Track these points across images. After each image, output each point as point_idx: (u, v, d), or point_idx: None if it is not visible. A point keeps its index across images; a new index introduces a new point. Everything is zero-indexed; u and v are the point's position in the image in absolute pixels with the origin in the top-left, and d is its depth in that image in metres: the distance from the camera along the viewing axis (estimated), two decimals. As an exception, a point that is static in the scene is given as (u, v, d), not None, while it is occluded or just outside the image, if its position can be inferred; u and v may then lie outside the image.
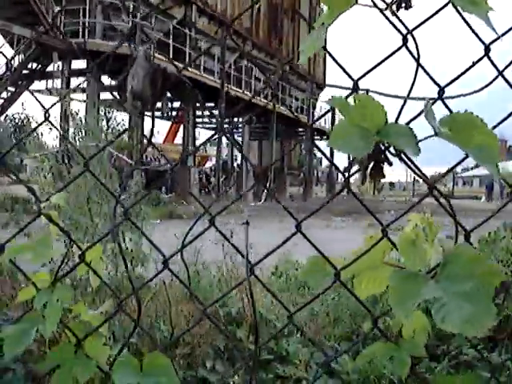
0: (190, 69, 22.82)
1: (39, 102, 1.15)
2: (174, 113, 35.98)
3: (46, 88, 23.75)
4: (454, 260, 0.95)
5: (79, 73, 22.00)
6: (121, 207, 1.08)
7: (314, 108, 41.74)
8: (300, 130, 39.35)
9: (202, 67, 24.12)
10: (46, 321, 1.04)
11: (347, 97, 1.02)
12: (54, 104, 1.23)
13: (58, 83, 23.77)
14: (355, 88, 1.05)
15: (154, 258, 3.55)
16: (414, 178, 67.36)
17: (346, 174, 1.13)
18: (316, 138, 44.28)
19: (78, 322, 1.16)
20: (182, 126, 28.08)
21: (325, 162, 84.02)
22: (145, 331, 1.42)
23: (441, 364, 3.03)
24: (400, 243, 1.11)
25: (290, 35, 38.56)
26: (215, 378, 2.69)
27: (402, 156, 1.00)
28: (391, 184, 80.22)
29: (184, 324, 2.95)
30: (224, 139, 35.58)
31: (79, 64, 21.78)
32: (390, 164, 1.01)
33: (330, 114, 41.88)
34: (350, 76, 1.08)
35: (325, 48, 1.00)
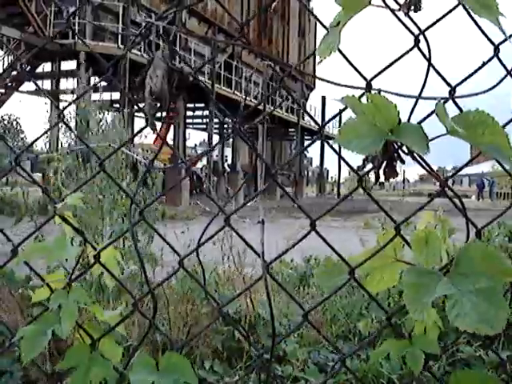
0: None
1: (52, 101, 1.15)
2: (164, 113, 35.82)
3: (36, 89, 23.66)
4: (468, 257, 0.96)
5: (69, 74, 21.90)
6: (136, 207, 1.08)
7: (305, 108, 41.80)
8: (292, 130, 39.37)
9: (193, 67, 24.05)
10: (61, 321, 1.04)
11: (360, 96, 1.03)
12: (69, 104, 1.23)
13: (46, 84, 23.70)
14: (368, 88, 1.06)
15: (160, 260, 3.57)
16: (404, 178, 67.69)
17: (360, 173, 1.12)
18: (307, 138, 44.39)
19: (92, 322, 1.17)
20: (172, 127, 28.02)
21: (315, 162, 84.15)
22: (160, 331, 1.43)
23: (438, 362, 3.06)
24: (413, 241, 1.12)
25: (279, 35, 38.59)
26: (214, 378, 2.69)
27: (415, 155, 1.02)
28: (381, 184, 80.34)
29: (182, 325, 2.95)
30: (214, 139, 35.55)
31: (69, 65, 21.67)
32: (403, 162, 1.02)
33: (319, 113, 42.11)
34: (363, 76, 1.09)
35: (338, 49, 1.01)
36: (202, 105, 30.58)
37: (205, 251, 4.16)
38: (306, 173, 51.09)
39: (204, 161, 35.83)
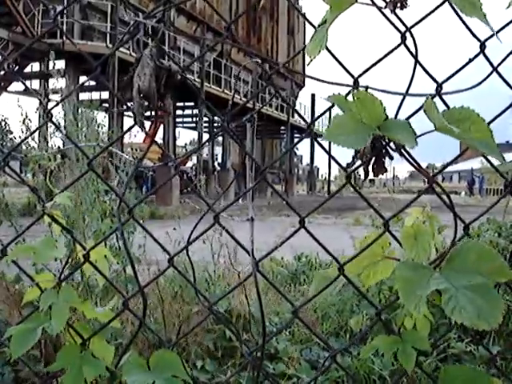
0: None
1: (41, 101, 1.15)
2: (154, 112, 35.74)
3: (25, 89, 23.53)
4: (462, 254, 0.97)
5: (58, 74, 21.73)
6: (125, 206, 1.08)
7: (294, 106, 41.82)
8: (282, 128, 39.38)
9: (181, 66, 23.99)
10: (52, 321, 1.04)
11: (347, 94, 1.04)
12: (57, 104, 1.23)
13: (35, 84, 23.57)
14: (355, 85, 1.07)
15: (146, 259, 3.54)
16: (394, 175, 68.01)
17: (348, 170, 1.13)
18: (297, 135, 44.43)
19: (82, 322, 1.17)
20: (162, 126, 27.97)
21: (305, 160, 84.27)
22: (151, 330, 1.42)
23: (429, 357, 3.07)
24: (402, 237, 1.13)
25: (268, 33, 38.58)
26: (205, 377, 2.69)
27: (402, 151, 1.03)
28: (371, 181, 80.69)
29: (174, 323, 2.95)
30: (204, 138, 35.47)
31: (58, 65, 21.54)
32: (391, 158, 1.03)
33: (309, 111, 42.14)
34: (350, 73, 1.10)
35: (326, 47, 1.02)
36: (192, 103, 30.51)
37: (194, 250, 4.16)
38: (296, 171, 51.17)
39: (194, 160, 35.80)
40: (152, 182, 31.98)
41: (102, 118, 17.94)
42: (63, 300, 1.06)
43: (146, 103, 1.03)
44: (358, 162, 1.07)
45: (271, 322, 2.96)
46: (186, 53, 25.39)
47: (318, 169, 60.59)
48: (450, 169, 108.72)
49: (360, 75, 1.10)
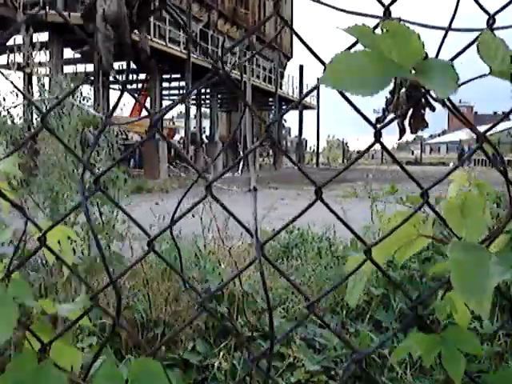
0: (154, 39, 22.36)
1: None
2: (140, 85, 35.40)
3: (7, 63, 23.04)
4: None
5: (41, 46, 21.33)
6: (91, 175, 0.91)
7: (282, 78, 41.49)
8: (270, 99, 39.07)
9: (167, 38, 23.65)
10: (-1, 323, 0.84)
11: (375, 27, 0.79)
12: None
13: (18, 58, 23.09)
14: (387, 16, 0.85)
15: (131, 234, 3.40)
16: (382, 146, 67.63)
17: (378, 126, 0.91)
18: (284, 107, 44.16)
19: (41, 322, 0.97)
20: (148, 99, 27.60)
21: (294, 132, 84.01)
22: (126, 329, 1.31)
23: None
24: (445, 210, 0.95)
25: (255, 3, 38.04)
26: (196, 359, 2.60)
27: (445, 100, 0.83)
28: (358, 152, 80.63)
29: (162, 304, 2.85)
30: (192, 111, 35.16)
31: (42, 37, 21.11)
32: (433, 109, 0.86)
33: (297, 83, 41.83)
34: (379, 1, 0.87)
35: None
36: (178, 75, 30.10)
37: (183, 223, 4.06)
38: (284, 143, 50.96)
39: (182, 132, 35.51)
40: (139, 155, 31.75)
41: (87, 90, 17.44)
42: (12, 297, 0.85)
43: (114, 36, 0.80)
44: (390, 116, 0.88)
45: (263, 298, 2.87)
46: (171, 23, 24.95)
47: (307, 141, 60.40)
48: (438, 140, 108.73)
49: (392, 2, 0.86)
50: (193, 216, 3.99)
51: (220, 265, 3.17)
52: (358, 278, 1.02)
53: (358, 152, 77.34)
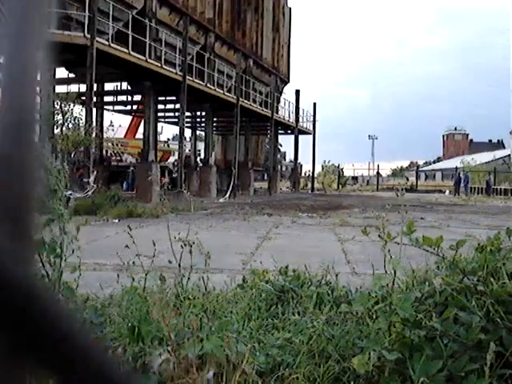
0: (150, 61, 22.02)
1: None
2: (135, 106, 35.07)
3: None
4: None
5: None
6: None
7: (278, 102, 41.26)
8: (266, 124, 38.76)
9: (162, 59, 23.31)
10: None
11: None
12: None
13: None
14: None
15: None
16: (378, 173, 67.65)
17: None
18: (280, 132, 43.87)
19: None
20: (143, 121, 27.21)
21: (288, 157, 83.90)
22: None
23: None
24: None
25: (253, 28, 37.94)
26: None
27: None
28: (354, 178, 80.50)
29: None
30: (187, 133, 34.80)
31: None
32: None
33: (294, 107, 41.65)
34: None
35: None
36: (173, 98, 29.76)
37: (162, 250, 3.52)
38: (279, 167, 50.60)
39: (176, 155, 35.11)
40: (133, 178, 31.28)
41: (78, 111, 16.98)
42: None
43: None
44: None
45: (256, 360, 2.35)
46: (167, 45, 24.66)
47: (301, 166, 60.16)
48: (433, 167, 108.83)
49: None
50: (182, 247, 3.52)
51: (207, 319, 2.64)
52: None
53: (352, 178, 77.28)
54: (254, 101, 35.41)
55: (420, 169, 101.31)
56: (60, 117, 16.76)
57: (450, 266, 2.83)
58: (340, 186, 51.12)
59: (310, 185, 46.34)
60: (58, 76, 24.13)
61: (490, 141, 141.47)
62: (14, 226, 0.39)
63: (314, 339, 2.50)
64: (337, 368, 2.36)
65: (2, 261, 0.35)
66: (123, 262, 3.50)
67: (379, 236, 2.82)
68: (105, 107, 31.89)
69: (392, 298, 2.40)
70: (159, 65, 22.77)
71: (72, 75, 25.83)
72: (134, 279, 3.19)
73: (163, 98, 31.36)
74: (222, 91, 29.25)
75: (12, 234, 0.38)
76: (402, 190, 3.13)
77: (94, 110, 22.22)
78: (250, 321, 3.04)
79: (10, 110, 0.43)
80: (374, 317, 2.49)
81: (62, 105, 16.83)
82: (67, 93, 18.19)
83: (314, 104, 45.43)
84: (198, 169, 33.93)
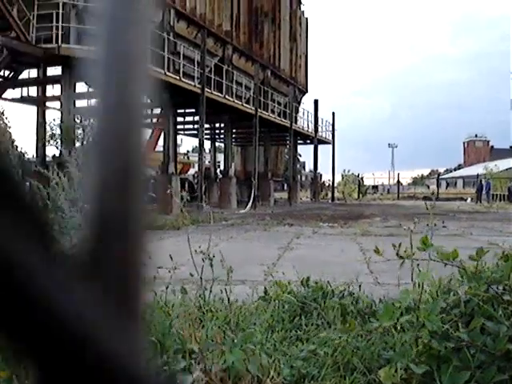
0: (169, 74, 22.18)
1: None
2: (154, 119, 35.32)
3: (21, 96, 23.01)
4: None
5: (54, 80, 21.28)
6: None
7: (297, 112, 41.27)
8: (285, 134, 38.78)
9: (181, 72, 23.49)
10: None
11: None
12: None
13: (32, 91, 23.05)
14: None
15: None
16: (398, 181, 67.31)
17: None
18: (299, 142, 43.84)
19: None
20: (162, 133, 27.37)
21: (308, 167, 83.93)
22: None
23: None
24: None
25: (270, 39, 38.06)
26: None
27: None
28: (374, 187, 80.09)
29: None
30: (206, 145, 34.91)
31: (55, 71, 21.03)
32: None
33: (313, 117, 41.64)
34: None
35: None
36: (193, 110, 29.94)
37: (183, 263, 3.52)
38: (299, 177, 50.51)
39: (196, 167, 35.25)
40: (153, 190, 31.40)
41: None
42: None
43: None
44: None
45: (281, 373, 2.33)
46: (185, 58, 24.84)
47: (321, 175, 59.98)
48: (454, 174, 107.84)
49: None
50: (203, 260, 3.51)
51: (230, 331, 2.63)
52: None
53: (373, 187, 76.85)
54: (273, 111, 35.47)
55: (441, 176, 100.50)
56: (80, 131, 16.91)
57: (473, 276, 2.79)
58: (360, 195, 50.84)
59: (330, 194, 46.17)
60: (78, 90, 24.45)
61: (511, 146, 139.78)
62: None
63: (338, 351, 2.48)
64: (362, 380, 2.32)
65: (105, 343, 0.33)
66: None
67: (398, 255, 2.79)
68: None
69: (419, 311, 2.36)
70: (178, 77, 22.93)
71: (91, 90, 26.08)
72: (156, 293, 3.19)
73: (182, 111, 31.57)
74: (240, 102, 29.35)
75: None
76: (430, 199, 3.10)
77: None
78: (273, 332, 3.02)
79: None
80: (399, 327, 2.45)
81: (83, 119, 16.98)
82: (89, 107, 18.33)
83: (333, 113, 45.39)
84: (218, 180, 34.02)
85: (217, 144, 42.40)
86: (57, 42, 18.01)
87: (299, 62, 44.70)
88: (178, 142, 35.39)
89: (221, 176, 34.27)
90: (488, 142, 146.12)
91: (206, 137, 33.76)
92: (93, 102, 0.43)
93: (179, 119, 32.36)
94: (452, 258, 2.72)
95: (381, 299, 3.46)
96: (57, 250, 0.34)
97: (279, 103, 38.12)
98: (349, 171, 52.66)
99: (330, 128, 45.17)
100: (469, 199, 47.30)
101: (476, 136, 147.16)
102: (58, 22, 18.39)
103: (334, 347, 2.48)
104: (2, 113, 25.46)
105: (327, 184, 50.24)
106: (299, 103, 43.86)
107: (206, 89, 24.71)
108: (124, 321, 0.35)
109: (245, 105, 30.09)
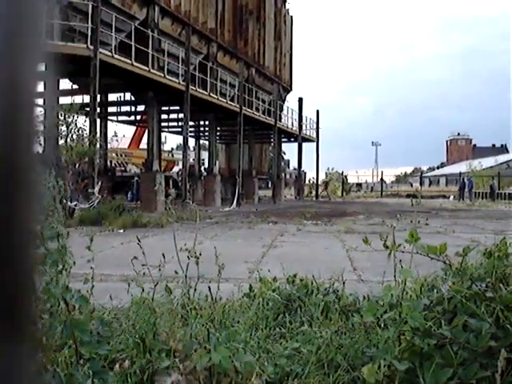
0: (153, 71, 22.08)
1: None
2: (139, 117, 35.18)
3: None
4: None
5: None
6: None
7: (281, 110, 41.30)
8: (270, 132, 38.79)
9: (165, 69, 23.39)
10: None
11: None
12: None
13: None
14: None
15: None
16: (382, 179, 67.61)
17: None
18: (284, 140, 43.89)
19: None
20: (147, 131, 27.27)
21: (292, 165, 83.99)
22: None
23: None
24: None
25: (255, 36, 38.05)
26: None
27: None
28: (358, 185, 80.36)
29: None
30: (191, 143, 34.79)
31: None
32: None
33: (297, 115, 41.70)
34: None
35: None
36: (177, 107, 29.84)
37: (168, 261, 3.51)
38: (283, 175, 50.59)
39: (180, 165, 35.16)
40: (137, 188, 31.29)
41: (82, 122, 16.97)
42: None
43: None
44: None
45: (264, 371, 2.33)
46: (170, 55, 24.75)
47: (305, 173, 60.11)
48: (437, 172, 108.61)
49: None
50: (188, 258, 3.50)
51: (214, 329, 2.62)
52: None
53: (357, 185, 77.03)
54: (257, 109, 35.46)
55: (424, 174, 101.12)
56: (64, 128, 16.81)
57: (457, 273, 2.81)
58: (344, 193, 51.01)
59: (314, 192, 46.27)
60: (61, 87, 24.26)
61: (494, 145, 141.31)
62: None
63: (322, 349, 2.48)
64: (346, 378, 2.34)
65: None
66: (134, 271, 3.48)
67: (385, 246, 2.80)
68: (108, 118, 32.01)
69: (402, 307, 2.38)
70: (162, 75, 22.84)
71: (75, 86, 25.94)
72: (143, 290, 3.18)
73: (167, 108, 31.47)
74: (225, 100, 29.30)
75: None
76: (415, 196, 3.12)
77: (98, 120, 22.31)
78: (257, 330, 3.02)
79: (7, 122, 0.40)
80: (383, 325, 2.47)
81: (66, 116, 16.87)
82: (71, 104, 18.21)
83: (317, 111, 45.51)
84: (203, 178, 33.96)
85: (201, 142, 42.34)
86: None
87: (284, 61, 44.73)
88: (162, 139, 35.30)
89: (205, 174, 34.22)
90: (471, 140, 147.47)
91: (190, 134, 33.65)
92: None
93: (163, 116, 32.25)
94: (439, 253, 2.73)
95: (364, 296, 3.48)
96: None
97: (264, 101, 38.12)
98: (333, 169, 52.88)
99: (315, 126, 45.29)
100: (451, 197, 47.68)
101: (459, 134, 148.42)
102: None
103: (318, 345, 2.49)
104: None
105: (311, 182, 50.24)
106: (284, 101, 43.90)
107: (191, 86, 24.63)
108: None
109: (229, 102, 30.05)
